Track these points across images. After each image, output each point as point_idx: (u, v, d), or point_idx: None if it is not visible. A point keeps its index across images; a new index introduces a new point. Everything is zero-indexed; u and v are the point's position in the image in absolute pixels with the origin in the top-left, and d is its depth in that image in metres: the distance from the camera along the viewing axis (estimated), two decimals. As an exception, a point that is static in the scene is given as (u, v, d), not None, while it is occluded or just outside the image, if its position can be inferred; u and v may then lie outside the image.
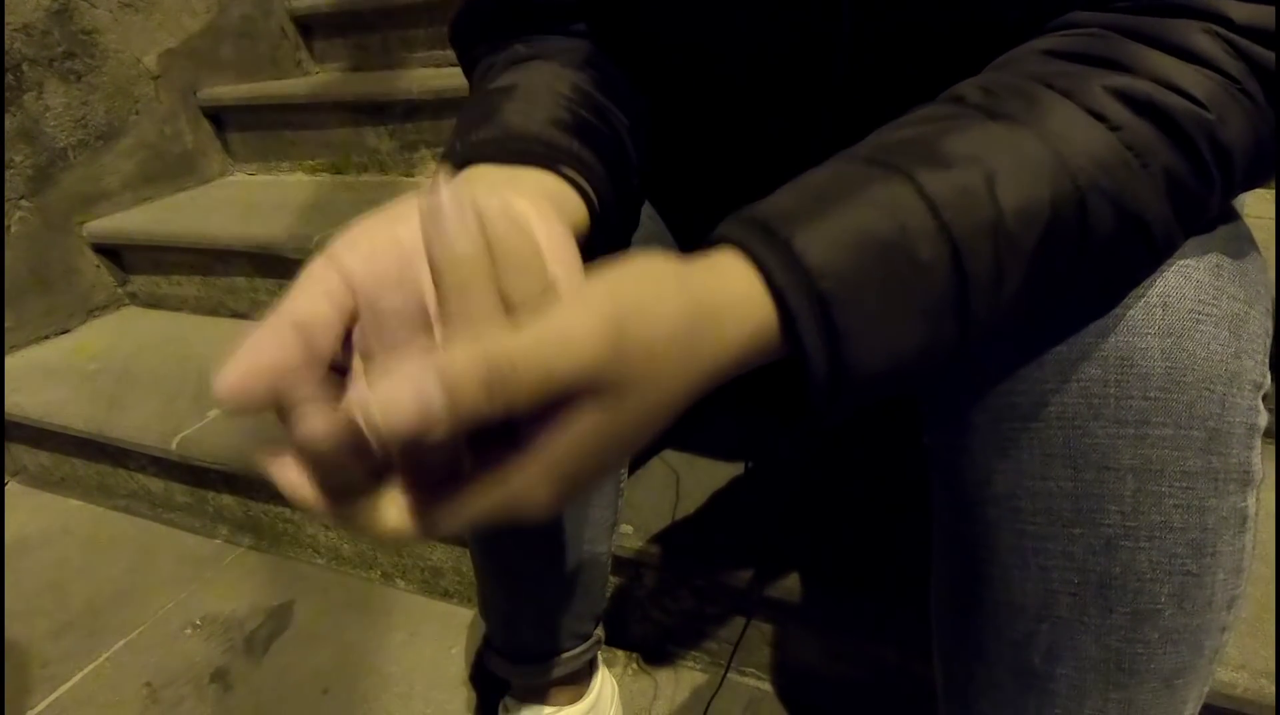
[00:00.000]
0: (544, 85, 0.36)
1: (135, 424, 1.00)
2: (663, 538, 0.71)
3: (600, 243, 0.34)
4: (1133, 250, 0.28)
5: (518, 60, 0.40)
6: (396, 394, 0.18)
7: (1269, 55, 0.27)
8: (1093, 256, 0.27)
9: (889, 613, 0.63)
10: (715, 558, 0.69)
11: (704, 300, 0.23)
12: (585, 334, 0.20)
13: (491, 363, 0.19)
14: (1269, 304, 0.32)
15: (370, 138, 1.36)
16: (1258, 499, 0.32)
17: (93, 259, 1.32)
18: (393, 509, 0.22)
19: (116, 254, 1.34)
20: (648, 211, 0.49)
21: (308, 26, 1.59)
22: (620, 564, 0.73)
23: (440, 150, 1.30)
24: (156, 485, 1.06)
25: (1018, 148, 0.26)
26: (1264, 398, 0.31)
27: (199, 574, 0.97)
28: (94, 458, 1.09)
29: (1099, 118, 0.26)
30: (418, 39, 1.49)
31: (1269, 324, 0.32)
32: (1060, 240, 0.26)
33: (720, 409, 0.25)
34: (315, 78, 1.59)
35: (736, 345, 0.24)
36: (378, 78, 1.45)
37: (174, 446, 0.95)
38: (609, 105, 0.38)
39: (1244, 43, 0.27)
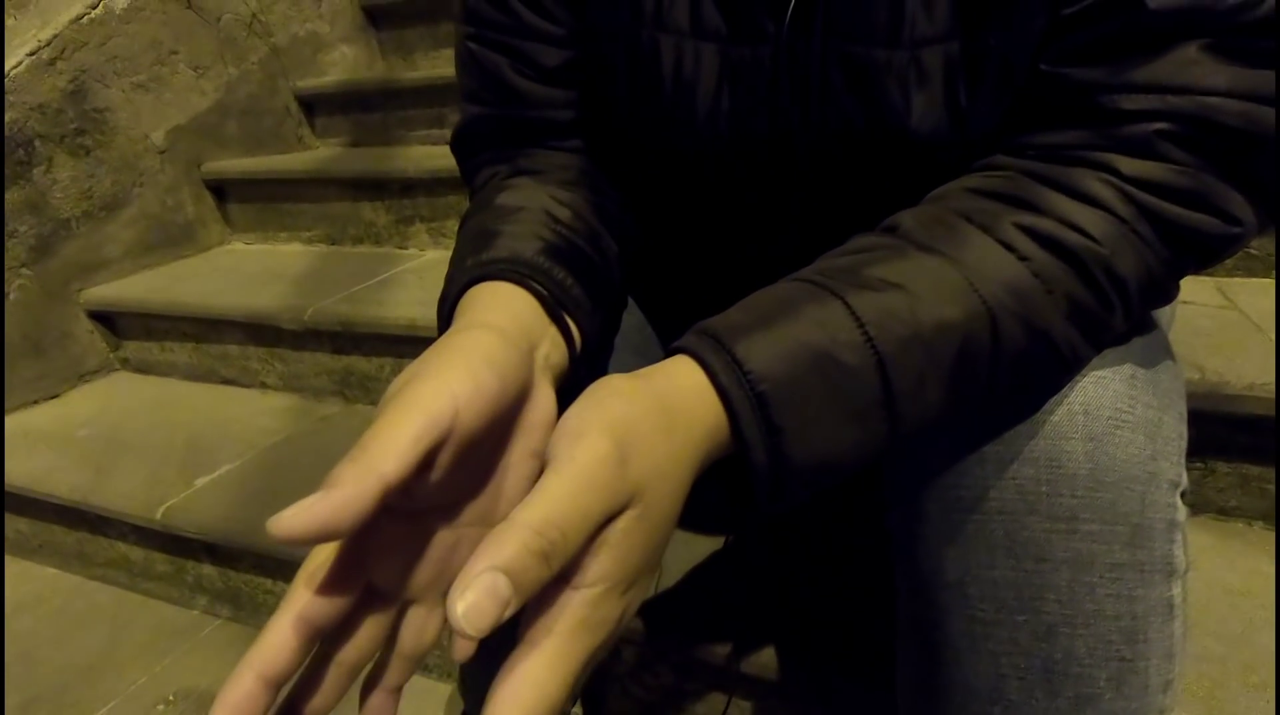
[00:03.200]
0: (541, 211, 0.40)
1: (121, 492, 1.00)
2: (642, 612, 0.72)
3: (583, 351, 0.37)
4: (1043, 362, 0.32)
5: (519, 173, 0.45)
6: (471, 601, 0.20)
7: (1155, 202, 0.31)
8: (1007, 366, 0.31)
9: (866, 689, 0.63)
10: (695, 633, 0.69)
11: (668, 400, 0.28)
12: (600, 468, 0.24)
13: (540, 533, 0.22)
14: (1182, 409, 0.36)
15: (367, 212, 1.41)
16: (1184, 589, 0.34)
17: (87, 325, 1.34)
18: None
19: (110, 320, 1.36)
20: (633, 317, 0.53)
21: (311, 105, 1.66)
22: (600, 639, 0.74)
23: (433, 224, 1.36)
24: (136, 553, 1.05)
25: (937, 275, 0.31)
26: (1181, 495, 0.35)
27: (175, 646, 0.95)
28: (74, 525, 1.08)
29: (1010, 249, 0.31)
30: (416, 119, 1.57)
31: (1183, 428, 0.36)
32: (976, 351, 0.31)
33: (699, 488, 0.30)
34: (316, 153, 1.65)
35: (698, 438, 0.28)
36: (376, 154, 1.51)
37: (159, 516, 0.95)
38: (602, 231, 0.42)
39: (1132, 190, 0.32)
